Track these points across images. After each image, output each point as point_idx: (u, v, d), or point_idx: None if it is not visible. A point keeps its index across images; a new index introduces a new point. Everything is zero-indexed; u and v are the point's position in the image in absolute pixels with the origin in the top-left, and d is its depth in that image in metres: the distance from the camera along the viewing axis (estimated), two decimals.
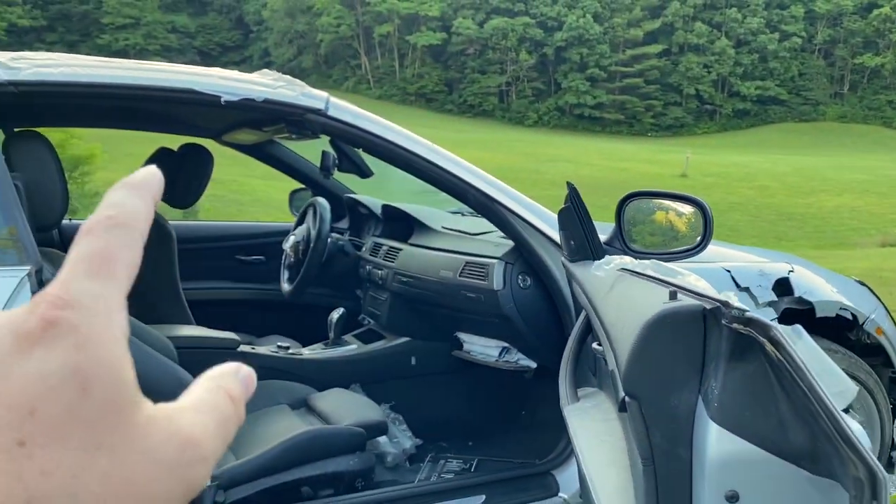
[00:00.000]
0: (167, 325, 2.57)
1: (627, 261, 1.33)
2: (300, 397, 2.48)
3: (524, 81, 58.35)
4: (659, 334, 0.94)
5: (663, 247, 1.76)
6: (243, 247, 3.43)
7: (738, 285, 2.13)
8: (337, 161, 2.76)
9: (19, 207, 1.57)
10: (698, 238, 1.76)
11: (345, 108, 2.02)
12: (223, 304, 3.32)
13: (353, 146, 2.13)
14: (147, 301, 2.67)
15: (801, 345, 0.94)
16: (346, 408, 2.31)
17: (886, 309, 2.56)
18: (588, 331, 1.72)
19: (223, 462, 2.07)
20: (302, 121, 2.00)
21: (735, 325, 0.89)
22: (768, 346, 0.84)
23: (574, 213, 1.77)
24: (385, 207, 3.12)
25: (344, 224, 3.48)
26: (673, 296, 0.96)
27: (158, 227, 2.67)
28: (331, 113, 1.99)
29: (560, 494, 2.16)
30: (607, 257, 1.39)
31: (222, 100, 1.84)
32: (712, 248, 2.23)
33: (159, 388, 1.81)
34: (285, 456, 2.01)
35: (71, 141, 9.62)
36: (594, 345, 1.57)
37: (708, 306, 0.94)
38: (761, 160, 35.58)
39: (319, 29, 59.33)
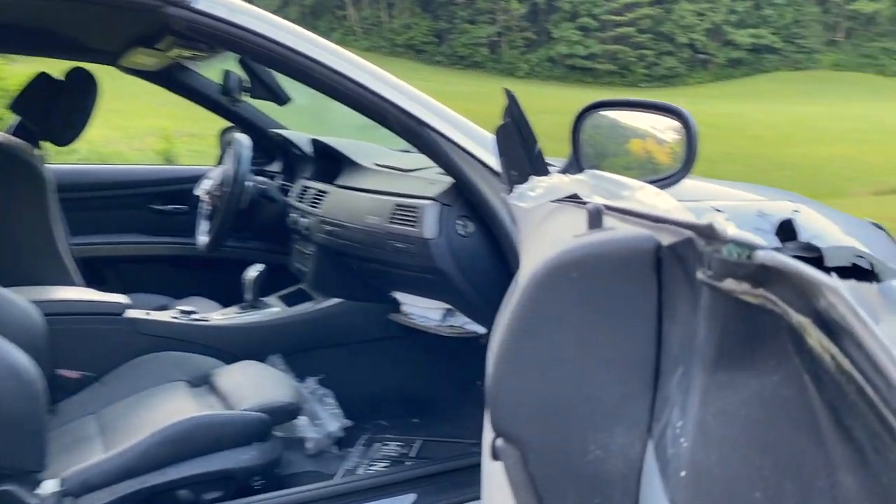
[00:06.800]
0: (40, 286, 2.12)
1: (558, 180, 0.87)
2: (203, 373, 2.05)
3: (515, 31, 57.02)
4: (554, 305, 0.46)
5: (636, 176, 1.30)
6: (159, 194, 2.95)
7: None
8: (247, 84, 2.29)
9: None
10: (682, 160, 1.29)
11: (220, 1, 1.54)
12: (135, 261, 2.86)
13: (230, 51, 1.65)
14: (19, 258, 2.21)
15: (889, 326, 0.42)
16: (251, 386, 1.88)
17: None
18: None
19: (85, 456, 1.64)
20: (165, 19, 1.52)
21: (730, 284, 0.43)
22: (811, 331, 0.39)
23: (514, 132, 1.31)
24: (314, 143, 2.64)
25: (277, 167, 2.99)
26: (595, 221, 0.49)
27: (26, 168, 2.19)
28: (199, 6, 1.51)
29: None
30: (533, 179, 0.93)
31: None
32: (700, 185, 1.77)
33: None
34: (157, 451, 1.58)
35: None
36: None
37: (671, 238, 0.48)
38: (755, 110, 34.93)
39: None
